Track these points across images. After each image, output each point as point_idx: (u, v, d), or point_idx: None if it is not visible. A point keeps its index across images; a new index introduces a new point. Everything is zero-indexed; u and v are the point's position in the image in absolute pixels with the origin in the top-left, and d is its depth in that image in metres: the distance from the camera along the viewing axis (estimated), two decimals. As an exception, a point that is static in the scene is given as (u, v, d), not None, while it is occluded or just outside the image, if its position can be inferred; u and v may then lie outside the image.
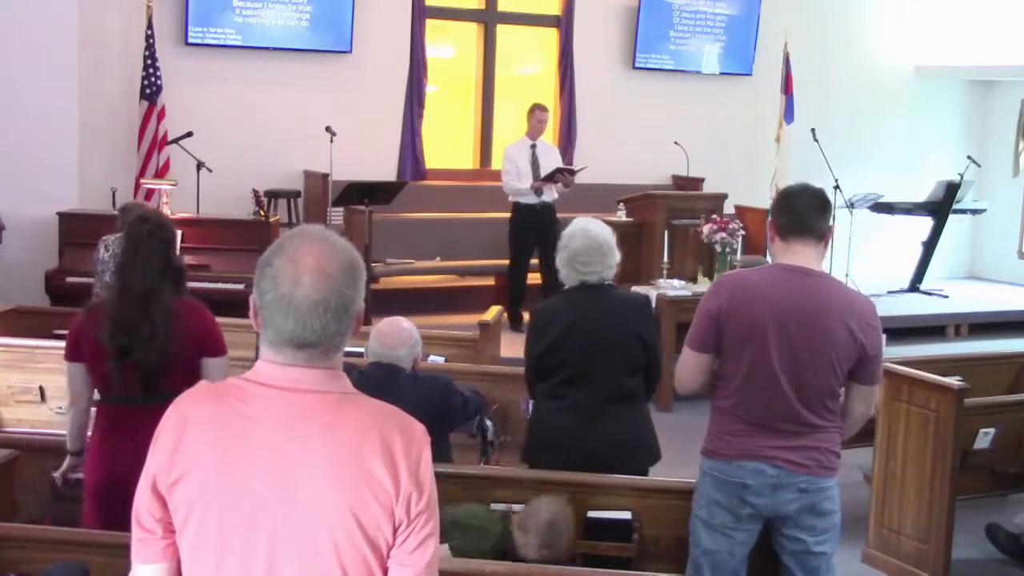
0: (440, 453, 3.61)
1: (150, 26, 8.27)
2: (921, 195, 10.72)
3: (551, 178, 8.14)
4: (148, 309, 3.38)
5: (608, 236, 3.88)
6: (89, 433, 3.59)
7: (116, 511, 3.33)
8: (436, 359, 5.34)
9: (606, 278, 3.88)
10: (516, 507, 3.55)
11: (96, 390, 3.53)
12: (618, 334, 3.82)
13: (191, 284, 6.80)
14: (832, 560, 3.35)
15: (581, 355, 3.80)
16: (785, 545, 3.31)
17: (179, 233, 7.14)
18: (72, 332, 3.51)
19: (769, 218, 3.37)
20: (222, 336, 3.55)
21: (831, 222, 3.29)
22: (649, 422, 3.98)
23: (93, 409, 3.59)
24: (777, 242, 3.29)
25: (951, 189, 10.53)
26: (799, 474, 3.21)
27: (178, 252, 3.76)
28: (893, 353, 6.44)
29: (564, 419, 3.83)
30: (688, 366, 3.35)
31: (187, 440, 1.76)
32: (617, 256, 3.90)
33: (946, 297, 10.62)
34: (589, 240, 3.83)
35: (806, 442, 3.21)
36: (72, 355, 3.50)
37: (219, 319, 5.72)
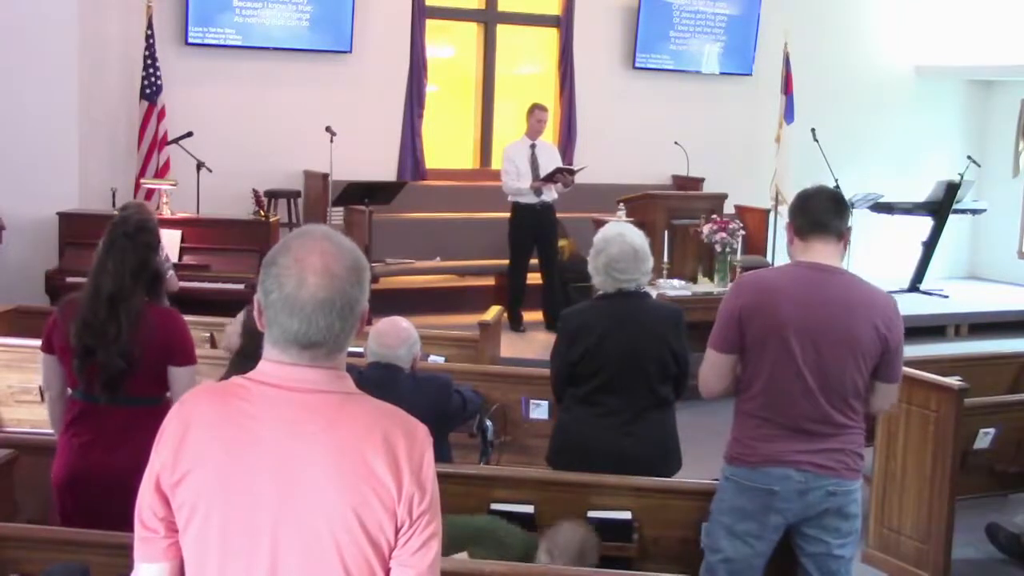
0: (440, 453, 3.61)
1: (150, 26, 8.26)
2: (921, 195, 10.72)
3: (551, 178, 8.14)
4: (116, 311, 3.36)
5: (643, 242, 3.85)
6: None
7: (73, 504, 3.39)
8: (436, 359, 5.34)
9: (642, 285, 3.86)
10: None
11: (68, 386, 3.55)
12: (653, 344, 3.78)
13: (191, 284, 6.94)
14: (851, 565, 3.31)
15: (617, 362, 3.76)
16: (805, 547, 3.26)
17: (179, 233, 7.21)
18: (47, 326, 3.55)
19: (787, 221, 3.35)
20: (191, 345, 3.52)
21: (849, 223, 3.28)
22: (676, 429, 3.96)
23: None
24: (796, 243, 3.27)
25: (951, 189, 10.53)
26: (827, 477, 3.17)
27: (162, 257, 3.73)
28: (893, 353, 6.44)
29: (598, 425, 3.81)
30: (714, 368, 3.30)
31: (191, 439, 1.76)
32: (651, 262, 3.87)
33: (946, 297, 10.62)
34: (625, 247, 3.78)
35: (832, 444, 3.18)
36: (45, 347, 3.54)
37: (218, 319, 5.77)
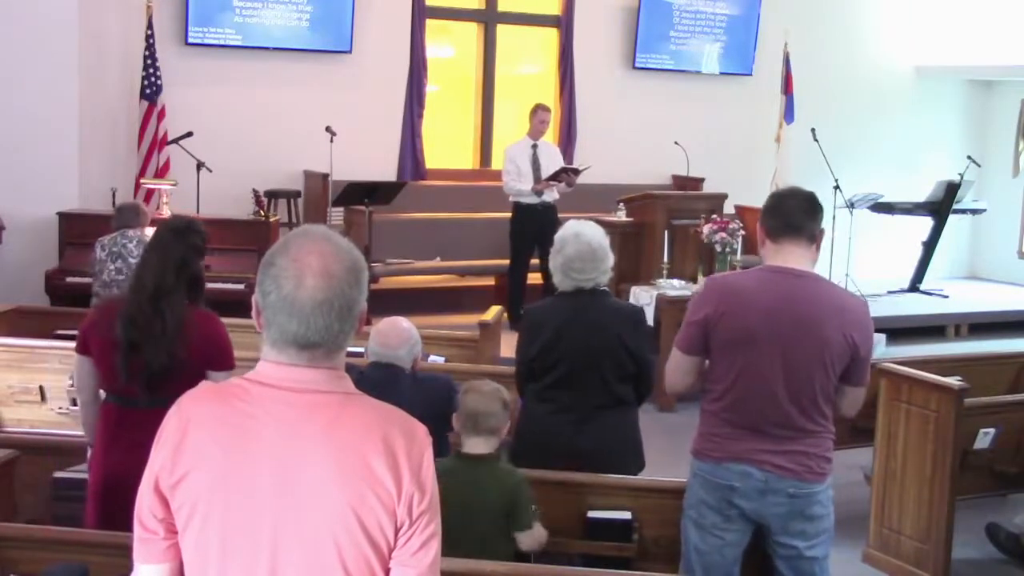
0: (440, 453, 3.60)
1: (150, 26, 8.27)
2: (921, 195, 10.72)
3: (555, 177, 8.14)
4: (160, 307, 3.35)
5: (601, 240, 3.83)
6: None
7: (113, 511, 3.31)
8: (436, 359, 5.33)
9: (601, 283, 3.85)
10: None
11: (103, 389, 3.50)
12: (608, 341, 3.78)
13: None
14: (827, 562, 3.32)
15: (572, 359, 3.78)
16: (778, 551, 3.27)
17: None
18: (83, 326, 3.52)
19: (759, 222, 3.34)
20: (231, 349, 3.49)
21: (822, 225, 3.26)
22: (637, 429, 3.96)
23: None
24: (768, 244, 3.25)
25: (951, 189, 10.54)
26: (787, 479, 3.17)
27: (203, 263, 3.71)
28: (893, 353, 6.43)
29: (554, 422, 3.82)
30: (677, 366, 3.33)
31: (190, 440, 1.75)
32: (611, 260, 3.85)
33: (946, 297, 10.62)
34: (582, 246, 3.78)
35: (796, 447, 3.18)
36: (81, 348, 3.50)
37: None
